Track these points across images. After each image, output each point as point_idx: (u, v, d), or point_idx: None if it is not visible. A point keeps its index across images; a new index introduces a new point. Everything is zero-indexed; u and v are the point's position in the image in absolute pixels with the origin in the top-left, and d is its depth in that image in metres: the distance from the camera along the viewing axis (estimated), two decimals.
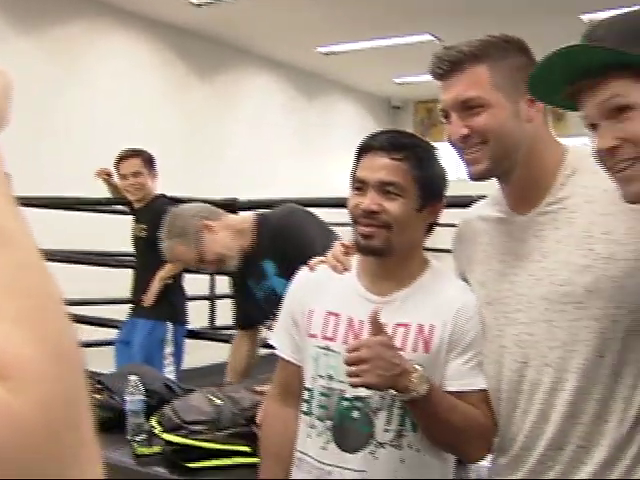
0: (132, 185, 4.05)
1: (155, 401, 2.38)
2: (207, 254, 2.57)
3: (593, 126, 1.17)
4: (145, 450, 2.18)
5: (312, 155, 9.47)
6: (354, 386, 1.40)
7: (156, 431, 2.15)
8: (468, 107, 1.38)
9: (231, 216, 2.79)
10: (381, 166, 1.49)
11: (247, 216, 2.73)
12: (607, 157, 1.15)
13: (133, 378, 2.27)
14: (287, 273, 2.12)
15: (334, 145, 9.84)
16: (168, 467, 2.13)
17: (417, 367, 1.40)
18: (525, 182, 1.42)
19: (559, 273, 1.36)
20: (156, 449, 2.18)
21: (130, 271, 4.32)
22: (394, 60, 8.49)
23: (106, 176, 4.44)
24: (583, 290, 1.33)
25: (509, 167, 1.40)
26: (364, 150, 1.53)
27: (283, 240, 2.42)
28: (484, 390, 1.48)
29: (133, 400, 2.24)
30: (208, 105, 8.10)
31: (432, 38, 7.49)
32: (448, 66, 1.38)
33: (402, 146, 1.50)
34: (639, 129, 1.10)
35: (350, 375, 1.37)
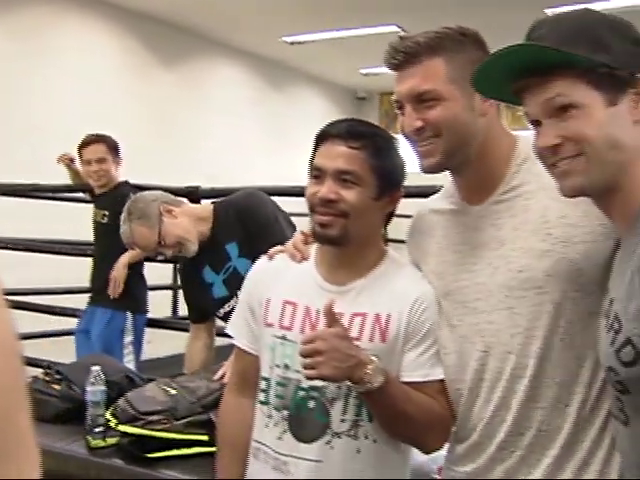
0: (96, 172, 3.99)
1: (115, 392, 2.34)
2: (167, 237, 2.59)
3: (535, 122, 1.19)
4: (101, 442, 2.15)
5: (277, 145, 9.43)
6: (309, 378, 1.39)
7: (111, 424, 2.13)
8: (423, 100, 1.37)
9: (192, 205, 2.83)
10: (339, 154, 1.48)
11: (207, 204, 2.76)
12: (549, 154, 1.18)
13: (95, 369, 2.24)
14: (249, 252, 2.32)
15: (299, 135, 9.77)
16: (125, 458, 2.11)
17: (373, 358, 1.40)
18: (479, 174, 1.43)
19: (518, 260, 1.37)
20: (112, 441, 2.15)
21: (90, 260, 4.26)
22: (360, 51, 8.47)
23: (68, 161, 4.37)
24: (543, 275, 1.34)
25: (462, 160, 1.41)
26: (322, 138, 1.52)
27: (245, 220, 2.48)
28: (441, 380, 1.49)
29: (94, 391, 2.21)
30: (173, 94, 8.00)
31: (398, 29, 7.49)
32: (404, 57, 1.37)
33: (360, 135, 1.49)
34: (581, 128, 1.13)
35: (305, 367, 1.36)
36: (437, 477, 1.91)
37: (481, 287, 1.41)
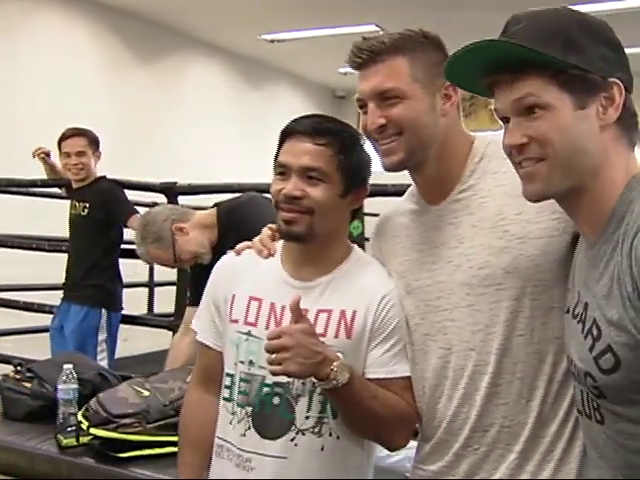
0: (75, 165, 3.98)
1: (88, 390, 2.33)
2: (183, 254, 2.80)
3: (505, 119, 1.19)
4: (72, 442, 2.13)
5: (255, 142, 9.38)
6: (274, 374, 1.39)
7: (83, 426, 2.11)
8: (385, 98, 1.38)
9: (197, 213, 2.95)
10: (304, 151, 1.48)
11: (212, 211, 2.89)
12: (515, 153, 1.18)
13: (67, 366, 2.22)
14: None
15: (277, 133, 9.74)
16: (96, 457, 2.09)
17: (339, 355, 1.40)
18: (438, 173, 1.44)
19: (477, 257, 1.38)
20: (84, 440, 2.13)
21: (64, 256, 4.22)
22: (339, 50, 8.42)
23: (44, 155, 4.32)
24: (501, 271, 1.35)
25: (422, 159, 1.42)
26: (287, 134, 1.52)
27: (246, 225, 2.50)
28: (407, 377, 1.49)
29: (66, 389, 2.19)
30: (151, 91, 7.95)
31: (377, 29, 7.49)
32: (368, 55, 1.38)
33: (326, 131, 1.49)
34: (547, 130, 1.13)
35: (271, 363, 1.36)
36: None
37: (442, 285, 1.42)
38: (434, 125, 1.40)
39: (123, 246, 4.12)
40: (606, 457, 1.19)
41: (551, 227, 1.33)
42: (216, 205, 2.89)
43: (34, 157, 4.33)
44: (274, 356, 1.35)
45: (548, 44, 1.11)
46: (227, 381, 1.58)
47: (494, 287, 1.36)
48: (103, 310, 3.96)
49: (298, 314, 1.38)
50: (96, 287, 3.95)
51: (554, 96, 1.12)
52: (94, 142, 4.03)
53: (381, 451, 1.68)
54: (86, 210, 3.96)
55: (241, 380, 1.54)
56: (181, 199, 4.20)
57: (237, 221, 2.66)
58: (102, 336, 3.94)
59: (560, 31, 1.13)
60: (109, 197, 3.98)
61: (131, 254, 4.17)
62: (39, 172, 4.43)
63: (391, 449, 1.63)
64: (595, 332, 1.12)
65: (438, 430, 1.44)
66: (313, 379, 1.41)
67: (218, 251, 2.63)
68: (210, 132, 8.66)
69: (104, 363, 3.76)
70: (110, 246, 4.03)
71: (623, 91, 1.14)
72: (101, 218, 3.92)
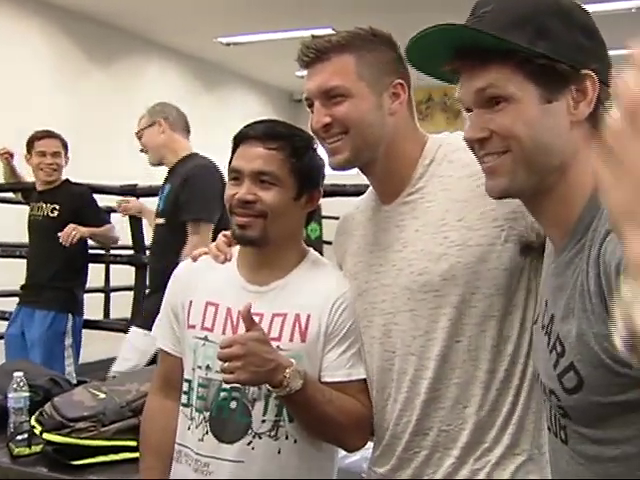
0: (49, 165, 3.95)
1: (41, 397, 2.30)
2: (148, 142, 3.39)
3: (468, 110, 1.10)
4: (24, 450, 2.09)
5: (211, 146, 9.30)
6: (227, 382, 1.39)
7: (36, 431, 2.07)
8: (331, 96, 1.38)
9: (183, 141, 3.42)
10: (256, 155, 1.49)
11: (187, 153, 3.36)
12: (476, 147, 1.10)
13: (17, 374, 2.19)
14: (171, 202, 3.24)
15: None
16: (49, 466, 2.05)
17: (292, 361, 1.40)
18: (387, 174, 1.44)
19: (418, 263, 1.38)
20: (36, 449, 2.09)
21: (14, 261, 4.14)
22: (296, 53, 8.47)
23: (8, 156, 4.26)
24: (439, 278, 1.35)
25: (370, 158, 1.42)
26: (240, 140, 1.53)
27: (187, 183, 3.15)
28: (363, 380, 1.50)
29: (17, 397, 2.15)
30: (105, 92, 7.84)
31: (333, 32, 7.52)
32: (314, 54, 1.39)
33: (277, 135, 1.50)
34: (509, 123, 1.04)
35: (223, 371, 1.36)
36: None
37: (387, 289, 1.43)
38: (380, 124, 1.39)
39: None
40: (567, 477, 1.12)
41: (492, 235, 1.32)
42: (191, 156, 3.24)
43: None
44: (226, 364, 1.35)
45: (516, 29, 1.01)
46: (185, 387, 1.58)
47: (433, 293, 1.36)
48: (69, 315, 3.89)
49: (250, 322, 1.39)
50: (64, 290, 3.88)
51: (518, 87, 1.03)
52: (65, 146, 4.05)
53: (338, 452, 1.69)
54: (56, 212, 3.92)
55: (199, 385, 1.54)
56: (142, 201, 4.17)
57: (185, 176, 3.06)
58: (68, 341, 3.88)
59: (531, 15, 1.03)
60: (83, 202, 3.99)
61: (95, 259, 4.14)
62: None
63: (348, 450, 1.64)
64: (559, 348, 1.03)
65: (386, 432, 1.45)
66: (268, 386, 1.41)
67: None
68: None
69: (71, 369, 3.72)
70: (80, 249, 3.97)
71: (597, 84, 1.01)
72: (71, 221, 3.87)
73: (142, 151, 3.33)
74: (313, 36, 1.41)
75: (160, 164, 3.27)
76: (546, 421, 1.17)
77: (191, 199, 3.05)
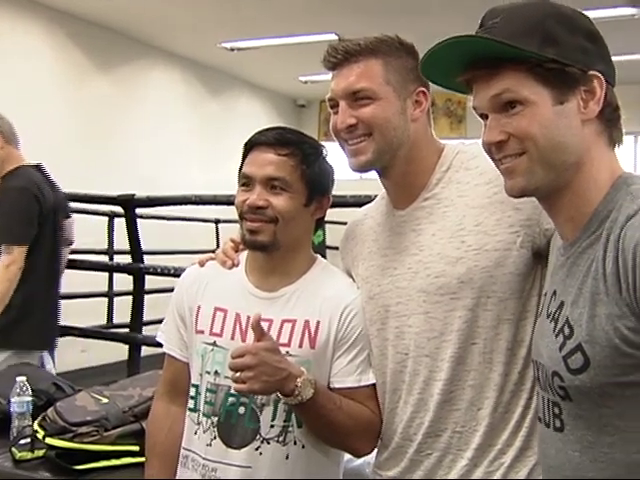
0: None
1: (44, 401, 2.29)
2: None
3: (484, 116, 1.17)
4: (27, 455, 2.08)
5: (216, 152, 9.35)
6: (239, 392, 1.40)
7: (39, 435, 2.07)
8: (358, 97, 1.41)
9: (17, 154, 3.27)
10: (267, 162, 1.50)
11: (19, 165, 3.21)
12: (494, 150, 1.15)
13: (20, 379, 2.18)
14: None
15: (239, 142, 9.70)
16: (52, 470, 2.04)
17: (303, 370, 1.41)
18: (404, 178, 1.46)
19: (434, 266, 1.40)
20: (39, 453, 2.08)
21: None
22: (299, 58, 8.48)
23: None
24: (457, 281, 1.37)
25: (390, 162, 1.44)
26: (251, 146, 1.55)
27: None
28: (372, 385, 1.50)
29: (19, 402, 2.15)
30: (108, 98, 7.85)
31: (337, 37, 7.54)
32: (343, 56, 1.41)
33: (288, 142, 1.52)
34: (526, 125, 1.10)
35: (235, 381, 1.36)
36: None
37: (401, 291, 1.44)
38: (403, 129, 1.42)
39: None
40: (555, 468, 1.16)
41: (508, 240, 1.35)
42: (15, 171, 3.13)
43: None
44: (238, 374, 1.35)
45: (525, 38, 1.08)
46: (192, 391, 1.58)
47: (449, 296, 1.38)
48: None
49: (260, 331, 1.39)
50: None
51: (532, 91, 1.09)
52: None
53: (344, 456, 1.69)
54: None
55: (207, 390, 1.54)
56: (139, 211, 4.16)
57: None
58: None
59: (537, 24, 1.10)
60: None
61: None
62: None
63: (357, 456, 1.65)
64: (567, 331, 1.09)
65: (396, 435, 1.46)
66: (279, 395, 1.42)
67: None
68: (170, 141, 8.59)
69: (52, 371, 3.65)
70: None
71: (604, 84, 1.10)
72: None
73: None
74: (341, 39, 1.44)
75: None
76: (538, 413, 1.22)
77: (3, 224, 3.11)
